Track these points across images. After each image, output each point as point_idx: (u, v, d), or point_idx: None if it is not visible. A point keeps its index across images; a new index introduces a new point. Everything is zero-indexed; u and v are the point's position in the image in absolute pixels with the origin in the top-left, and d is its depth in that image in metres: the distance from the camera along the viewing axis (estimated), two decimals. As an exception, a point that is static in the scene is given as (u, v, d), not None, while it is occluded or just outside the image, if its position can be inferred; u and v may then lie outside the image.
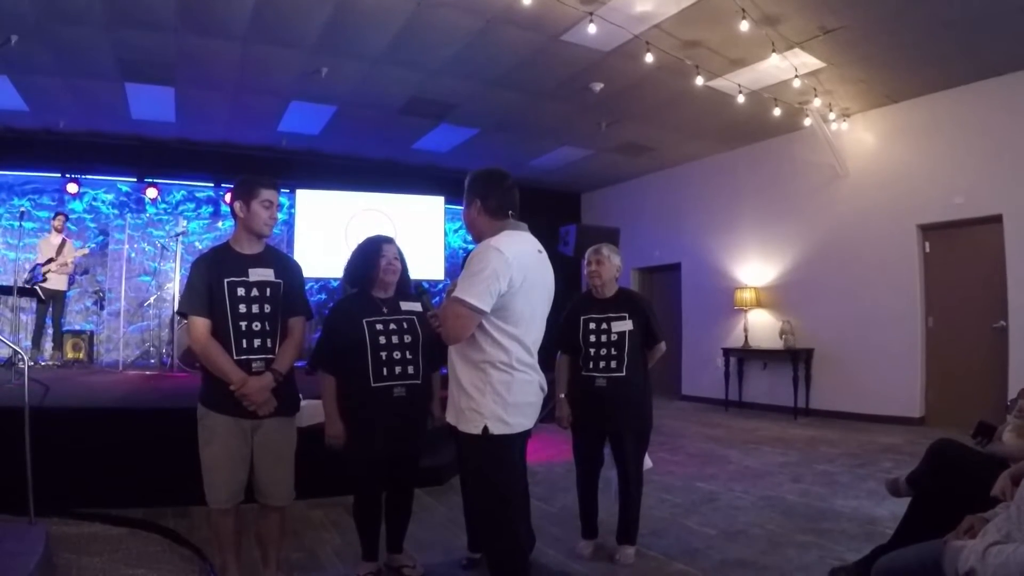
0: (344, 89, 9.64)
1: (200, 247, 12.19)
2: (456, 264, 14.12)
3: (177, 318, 9.60)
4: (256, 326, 3.51)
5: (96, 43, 8.12)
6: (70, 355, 10.68)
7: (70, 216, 11.40)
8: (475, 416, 2.94)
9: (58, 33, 7.85)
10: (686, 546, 4.72)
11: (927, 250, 9.52)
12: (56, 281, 10.27)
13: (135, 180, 12.42)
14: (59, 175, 11.97)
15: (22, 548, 3.74)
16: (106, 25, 7.68)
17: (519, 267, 2.91)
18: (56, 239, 10.31)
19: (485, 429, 2.92)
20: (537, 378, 3.11)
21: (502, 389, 2.94)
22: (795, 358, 10.57)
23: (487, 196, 3.12)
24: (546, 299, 3.19)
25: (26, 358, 4.91)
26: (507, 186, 3.18)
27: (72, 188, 11.93)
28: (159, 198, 12.50)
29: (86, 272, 11.53)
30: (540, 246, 3.20)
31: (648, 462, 4.62)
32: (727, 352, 11.78)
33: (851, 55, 8.20)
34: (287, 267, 3.71)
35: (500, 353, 2.95)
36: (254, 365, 3.48)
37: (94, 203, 12.39)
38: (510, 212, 3.15)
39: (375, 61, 8.66)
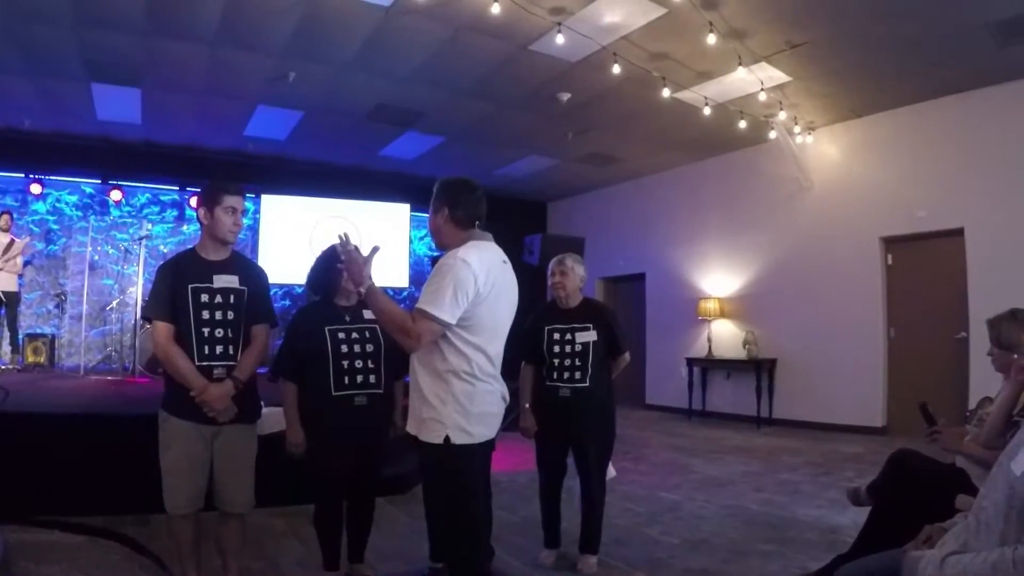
0: (311, 94, 9.60)
1: (165, 251, 12.05)
2: (421, 272, 14.11)
3: (141, 323, 9.50)
4: (219, 332, 3.50)
5: (63, 43, 8.02)
6: (30, 359, 10.50)
7: (19, 215, 11.19)
8: (436, 426, 2.91)
9: (24, 32, 7.74)
10: (649, 555, 4.74)
11: (889, 262, 9.66)
12: (5, 281, 10.08)
13: (99, 182, 12.23)
14: (22, 175, 11.74)
15: (-21, 556, 3.70)
16: (73, 25, 7.59)
17: (485, 279, 2.91)
18: (4, 238, 10.12)
19: (447, 439, 2.89)
20: (500, 388, 3.10)
21: (464, 399, 2.92)
22: (758, 368, 10.67)
23: (455, 205, 3.10)
24: (510, 310, 3.18)
25: (-16, 362, 4.84)
26: (477, 197, 3.14)
27: (35, 189, 11.71)
28: (123, 201, 12.32)
29: (28, 263, 11.21)
30: (504, 256, 3.19)
31: (611, 471, 4.64)
32: (691, 362, 11.86)
33: (817, 69, 8.31)
34: (252, 274, 3.69)
35: (463, 363, 2.92)
36: (215, 372, 3.46)
37: (57, 204, 12.20)
38: (476, 222, 3.13)
39: (343, 67, 8.63)
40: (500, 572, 4.43)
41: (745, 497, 6.31)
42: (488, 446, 3.09)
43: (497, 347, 3.10)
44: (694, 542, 5.03)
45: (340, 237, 3.13)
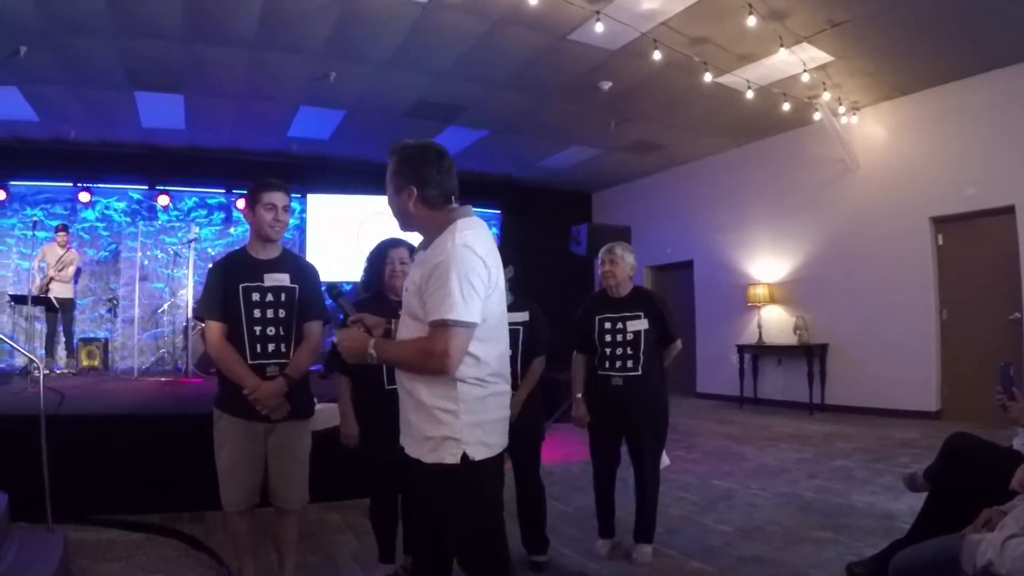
0: (352, 94, 9.66)
1: (213, 253, 12.25)
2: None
3: (191, 324, 9.64)
4: (271, 331, 3.53)
5: (104, 53, 8.17)
6: (85, 363, 10.73)
7: (69, 225, 11.40)
8: (450, 444, 2.43)
9: (66, 44, 7.91)
10: (703, 544, 4.71)
11: (940, 243, 9.46)
12: (60, 288, 10.30)
13: (147, 188, 12.47)
14: (71, 184, 12.02)
15: (40, 555, 3.77)
16: (114, 35, 7.73)
17: (492, 264, 2.50)
18: (60, 250, 10.37)
19: (464, 457, 2.42)
20: (508, 388, 2.67)
21: (477, 406, 2.46)
22: (809, 354, 10.53)
23: (424, 182, 2.55)
24: (504, 295, 2.71)
25: (41, 366, 4.93)
26: (446, 167, 2.62)
27: (84, 197, 11.99)
28: (171, 205, 12.55)
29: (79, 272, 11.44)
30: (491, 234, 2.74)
31: (665, 460, 4.60)
32: (741, 349, 11.75)
33: (859, 48, 8.18)
34: (303, 271, 3.71)
35: (471, 365, 2.46)
36: (268, 370, 3.50)
37: (106, 211, 12.44)
38: (452, 198, 2.64)
39: (382, 65, 8.68)
40: (555, 562, 4.45)
41: (799, 484, 6.24)
42: (504, 456, 2.66)
43: (506, 342, 2.70)
44: (748, 530, 4.98)
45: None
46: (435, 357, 2.35)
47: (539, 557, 4.41)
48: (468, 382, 2.44)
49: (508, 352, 2.71)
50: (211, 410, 3.59)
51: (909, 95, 9.64)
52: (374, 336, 2.65)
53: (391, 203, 2.65)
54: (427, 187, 2.56)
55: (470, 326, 2.38)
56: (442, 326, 2.34)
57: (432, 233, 2.57)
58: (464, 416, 2.43)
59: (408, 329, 2.57)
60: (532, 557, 4.41)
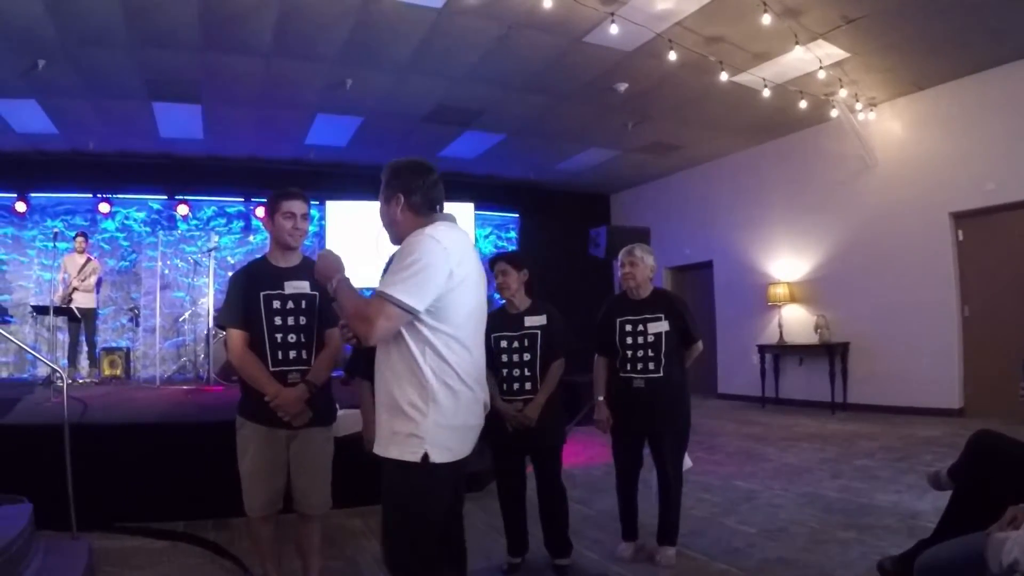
0: (369, 100, 9.70)
1: (232, 262, 12.34)
2: (487, 271, 14.16)
3: (213, 332, 9.70)
4: (292, 338, 3.55)
5: (122, 64, 8.26)
6: (107, 372, 10.80)
7: (89, 235, 11.51)
8: (413, 441, 2.47)
9: (84, 56, 8.00)
10: (727, 545, 4.69)
11: (960, 238, 9.38)
12: (82, 298, 10.39)
13: (166, 197, 12.57)
14: (91, 195, 12.14)
15: (66, 563, 3.81)
16: (131, 46, 7.81)
17: (460, 259, 2.54)
18: (80, 259, 10.47)
19: (425, 457, 2.46)
20: (483, 396, 2.71)
21: (447, 408, 2.50)
22: (831, 352, 10.47)
23: (411, 191, 2.70)
24: (483, 300, 2.80)
25: (64, 376, 4.97)
26: (433, 179, 2.75)
27: (104, 207, 12.12)
28: (190, 214, 12.65)
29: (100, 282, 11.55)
30: (471, 241, 2.84)
31: (688, 462, 4.59)
32: (762, 349, 11.69)
33: (875, 43, 8.13)
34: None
35: (444, 366, 2.50)
36: (290, 377, 3.51)
37: (126, 221, 12.56)
38: (437, 208, 2.75)
39: (398, 71, 8.71)
40: (578, 565, 4.45)
41: (822, 484, 6.20)
42: (465, 464, 2.69)
43: (481, 347, 2.72)
44: (772, 531, 4.96)
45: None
46: (363, 321, 2.45)
47: (562, 560, 4.41)
48: (443, 383, 2.49)
49: (479, 356, 2.70)
50: (234, 417, 3.61)
51: (926, 90, 9.57)
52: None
53: (382, 215, 2.80)
54: (413, 194, 2.70)
55: (407, 308, 2.42)
56: (380, 296, 2.43)
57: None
58: (432, 416, 2.47)
59: None
60: (555, 561, 4.41)
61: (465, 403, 2.56)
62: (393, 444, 2.52)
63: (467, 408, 2.57)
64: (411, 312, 2.43)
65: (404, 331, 2.51)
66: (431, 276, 2.44)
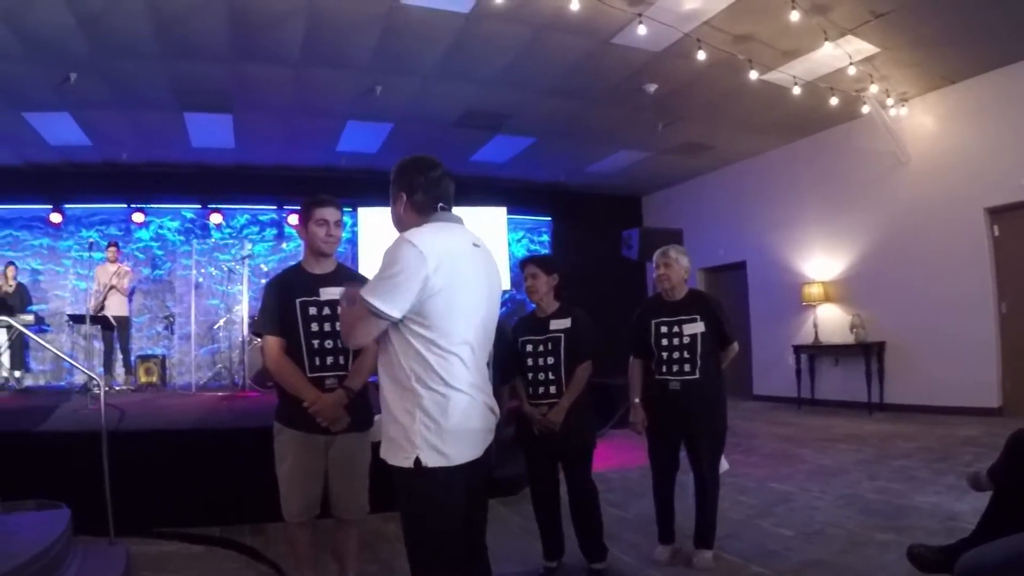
0: (399, 106, 9.76)
1: (266, 269, 12.48)
2: (520, 274, 14.18)
3: (247, 339, 9.78)
4: (328, 344, 3.56)
5: (152, 75, 8.38)
6: (143, 379, 10.93)
7: (124, 245, 11.75)
8: (405, 446, 2.47)
9: (115, 68, 8.13)
10: (763, 548, 4.65)
11: (996, 233, 9.24)
12: (116, 307, 10.54)
13: (199, 206, 12.73)
14: (125, 205, 12.34)
15: (103, 568, 3.86)
16: (161, 58, 7.92)
17: (440, 265, 2.44)
18: (111, 267, 10.62)
19: (417, 461, 2.44)
20: (482, 398, 2.62)
21: (436, 412, 2.45)
22: (867, 352, 10.35)
23: (413, 189, 2.67)
24: (489, 302, 2.72)
25: (101, 383, 5.03)
26: (436, 176, 2.69)
27: (138, 217, 12.31)
28: (223, 223, 12.80)
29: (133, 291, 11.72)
30: (477, 239, 2.73)
31: (724, 464, 4.55)
32: (797, 349, 11.59)
33: (904, 38, 8.05)
34: (358, 284, 3.73)
35: (429, 371, 2.47)
36: (327, 382, 3.52)
37: (160, 231, 12.74)
38: (440, 206, 2.69)
39: (428, 77, 8.77)
40: (615, 569, 4.44)
41: (859, 486, 6.13)
42: (473, 469, 2.59)
43: (475, 350, 2.61)
44: (809, 534, 4.91)
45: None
46: (345, 326, 2.61)
47: (597, 565, 4.39)
48: (429, 387, 2.47)
49: (483, 359, 2.67)
50: (269, 423, 3.64)
51: (957, 83, 9.45)
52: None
53: (391, 215, 2.78)
54: (415, 193, 2.68)
55: (381, 315, 2.41)
56: (360, 303, 2.46)
57: None
58: (421, 421, 2.45)
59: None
60: (591, 565, 4.40)
61: (458, 407, 2.50)
62: (389, 450, 2.55)
63: (462, 412, 2.51)
64: (386, 318, 2.43)
65: (391, 336, 2.53)
66: (404, 282, 2.40)
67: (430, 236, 2.50)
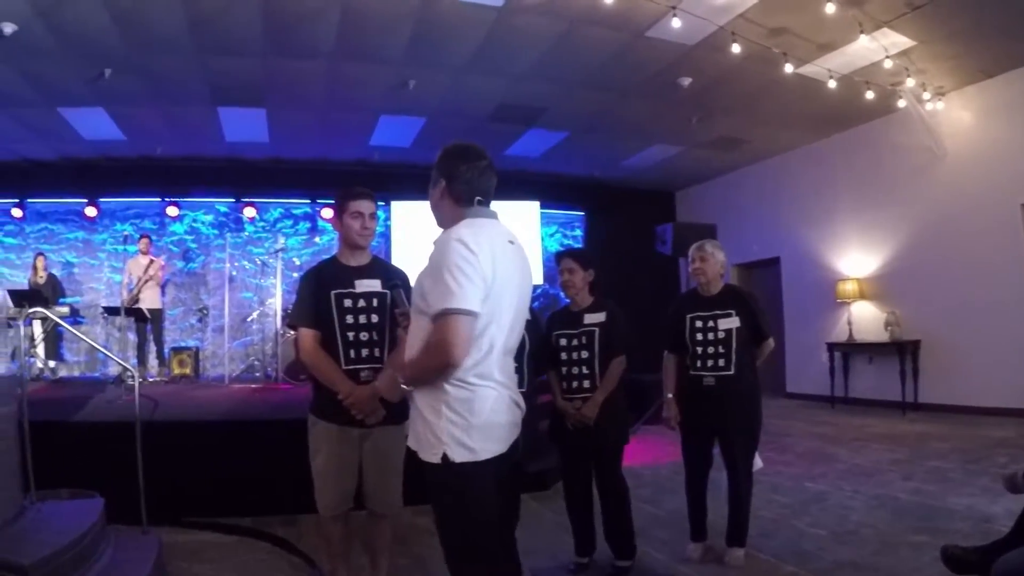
0: (432, 100, 9.78)
1: (299, 263, 12.62)
2: (553, 268, 14.18)
3: (281, 331, 9.85)
4: (364, 336, 3.57)
5: (187, 71, 8.46)
6: (177, 371, 11.03)
7: (158, 237, 11.93)
8: (433, 441, 2.46)
9: (149, 63, 8.22)
10: (796, 548, 4.62)
11: (1034, 230, 9.10)
12: (150, 299, 10.66)
13: (233, 200, 12.86)
14: (159, 199, 12.51)
15: (136, 556, 3.90)
16: (196, 53, 8.00)
17: (487, 263, 2.43)
18: (144, 260, 10.72)
19: (444, 457, 2.43)
20: (508, 393, 2.59)
21: (462, 408, 2.43)
22: (902, 351, 10.22)
23: (453, 177, 2.62)
24: (520, 299, 2.66)
25: (136, 374, 5.09)
26: (480, 167, 2.64)
27: (172, 211, 12.45)
28: (257, 216, 12.89)
29: (167, 282, 11.86)
30: (512, 236, 2.69)
31: (758, 462, 4.53)
32: (831, 347, 11.45)
33: (941, 31, 7.94)
34: (394, 276, 3.73)
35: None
36: (362, 374, 3.53)
37: (194, 224, 12.89)
38: (478, 199, 2.64)
39: (461, 70, 8.77)
40: (645, 566, 4.43)
41: (893, 486, 6.06)
42: (501, 463, 2.56)
43: (502, 345, 2.57)
44: (842, 534, 4.88)
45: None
46: (437, 350, 2.37)
47: (622, 563, 4.38)
48: (454, 383, 2.44)
49: (503, 355, 2.59)
50: (301, 416, 3.66)
51: (995, 77, 9.29)
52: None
53: (429, 196, 2.73)
54: (455, 182, 2.62)
55: (469, 313, 2.36)
56: (440, 316, 2.36)
57: (448, 228, 2.58)
58: (447, 416, 2.43)
59: (415, 323, 2.59)
60: (616, 562, 4.39)
61: (485, 402, 2.48)
62: (419, 446, 2.54)
63: (489, 407, 2.48)
64: (473, 315, 2.37)
65: (420, 331, 2.51)
66: (471, 277, 2.37)
67: (470, 232, 2.46)
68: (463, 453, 2.43)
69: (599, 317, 4.40)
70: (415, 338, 2.56)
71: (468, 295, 2.35)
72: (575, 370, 4.39)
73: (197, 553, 4.72)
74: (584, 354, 4.37)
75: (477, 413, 2.45)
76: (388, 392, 3.34)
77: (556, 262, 4.61)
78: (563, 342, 4.43)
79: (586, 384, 4.35)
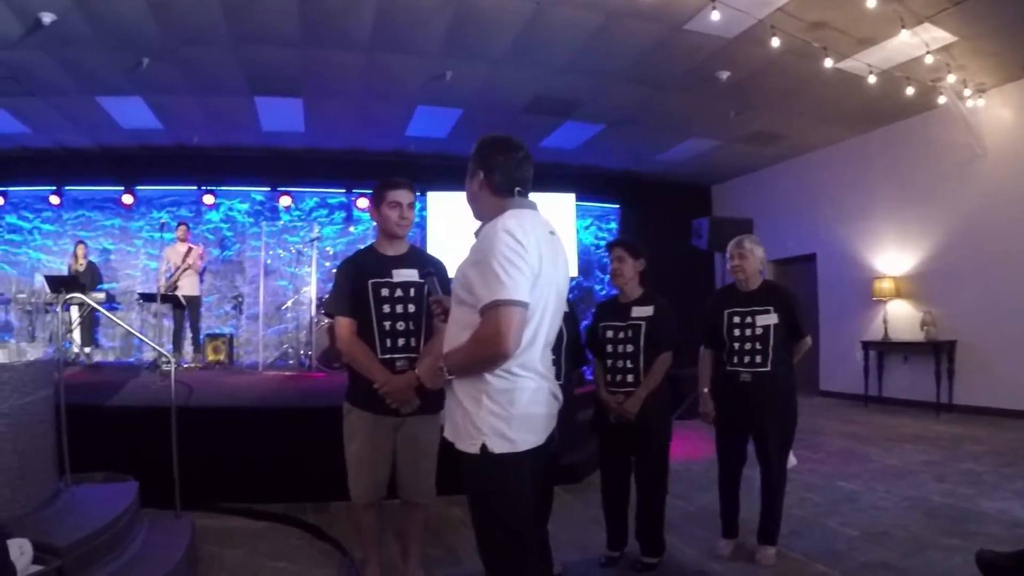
0: (469, 92, 9.78)
1: (332, 252, 12.70)
2: (589, 261, 14.27)
3: (315, 319, 9.93)
4: (400, 326, 3.60)
5: (224, 61, 8.55)
6: (211, 357, 11.14)
7: (195, 225, 12.06)
8: (472, 432, 2.45)
9: (187, 53, 8.31)
10: (827, 547, 4.59)
11: (1077, 229, 8.93)
12: (187, 286, 10.73)
13: (268, 189, 12.96)
14: (195, 187, 12.65)
15: (169, 540, 3.96)
16: (233, 43, 8.07)
17: (534, 253, 2.43)
18: (182, 247, 10.81)
19: (483, 448, 2.42)
20: (547, 385, 2.58)
21: (502, 399, 2.43)
22: (937, 351, 10.10)
23: (491, 168, 2.62)
24: (560, 290, 2.65)
25: (172, 360, 5.15)
26: (518, 158, 2.64)
27: (208, 199, 12.60)
28: (292, 206, 13.00)
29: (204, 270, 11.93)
30: (552, 227, 2.68)
31: (792, 460, 4.48)
32: (866, 345, 11.34)
33: (983, 27, 7.81)
34: (431, 266, 3.75)
35: None
36: (398, 364, 3.56)
37: (230, 213, 13.01)
38: (517, 189, 2.64)
39: (498, 62, 8.77)
40: (676, 561, 4.42)
41: (926, 488, 6.01)
42: (537, 455, 2.57)
43: (543, 336, 2.56)
44: (874, 534, 4.84)
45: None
46: (488, 341, 2.35)
47: (648, 559, 4.36)
48: (495, 373, 2.42)
49: (544, 347, 2.58)
50: (334, 403, 3.69)
51: (1037, 75, 9.14)
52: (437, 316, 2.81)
53: (466, 188, 2.74)
54: (493, 173, 2.61)
55: (520, 304, 2.34)
56: (491, 308, 2.34)
57: (488, 220, 2.58)
58: (487, 406, 2.42)
59: (456, 313, 2.59)
60: (643, 558, 4.37)
61: (525, 393, 2.47)
62: (458, 436, 2.53)
63: (528, 398, 2.48)
64: (523, 306, 2.36)
65: (461, 320, 2.52)
66: (520, 268, 2.36)
67: (516, 222, 2.46)
68: (502, 444, 2.42)
69: (647, 311, 4.38)
70: (456, 327, 2.56)
71: (519, 286, 2.34)
72: (619, 363, 4.38)
73: (229, 538, 4.77)
74: (629, 347, 4.36)
75: (517, 404, 2.44)
76: (429, 380, 3.32)
77: (607, 250, 4.60)
78: (609, 333, 4.42)
79: (629, 378, 4.34)
